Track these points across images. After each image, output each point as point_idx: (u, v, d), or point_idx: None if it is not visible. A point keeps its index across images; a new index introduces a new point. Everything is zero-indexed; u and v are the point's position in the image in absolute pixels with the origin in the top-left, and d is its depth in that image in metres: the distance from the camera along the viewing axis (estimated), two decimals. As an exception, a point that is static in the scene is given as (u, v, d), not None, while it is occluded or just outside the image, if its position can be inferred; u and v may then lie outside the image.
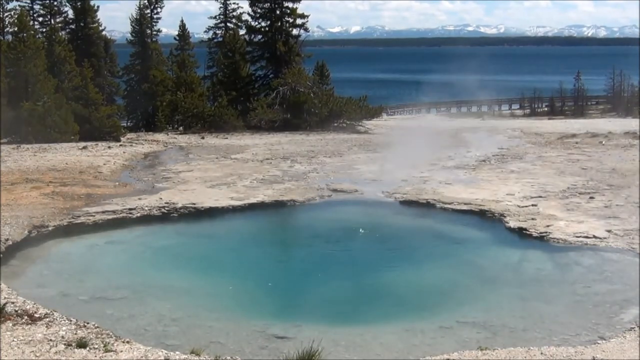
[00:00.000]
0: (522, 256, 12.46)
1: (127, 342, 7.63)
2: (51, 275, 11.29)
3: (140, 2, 40.82)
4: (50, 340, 7.54)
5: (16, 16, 31.45)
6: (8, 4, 35.55)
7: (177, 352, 7.47)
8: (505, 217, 14.45)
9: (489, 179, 18.77)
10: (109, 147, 26.11)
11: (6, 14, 34.82)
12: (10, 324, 8.00)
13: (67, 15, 39.22)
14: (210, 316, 9.52)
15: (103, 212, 14.59)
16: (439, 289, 10.96)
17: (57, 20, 38.66)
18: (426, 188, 17.48)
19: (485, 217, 14.83)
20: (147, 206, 15.17)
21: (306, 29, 40.73)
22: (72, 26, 39.34)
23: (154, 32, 41.77)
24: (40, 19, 38.65)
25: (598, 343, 8.15)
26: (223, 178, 19.02)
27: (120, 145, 27.52)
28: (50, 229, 13.32)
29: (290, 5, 39.65)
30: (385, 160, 22.28)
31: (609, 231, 13.09)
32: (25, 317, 8.26)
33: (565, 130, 32.37)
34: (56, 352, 7.21)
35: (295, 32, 40.37)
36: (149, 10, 41.03)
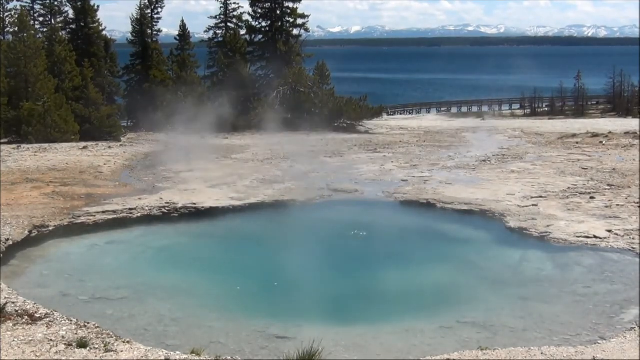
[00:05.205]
0: (523, 256, 12.45)
1: (128, 342, 7.62)
2: (51, 275, 11.29)
3: (140, 2, 40.73)
4: (51, 340, 7.54)
5: (16, 16, 31.44)
6: (8, 4, 35.40)
7: (177, 352, 7.46)
8: (505, 217, 14.44)
9: (489, 179, 18.76)
10: (110, 147, 26.11)
11: (6, 14, 34.72)
12: (11, 324, 8.00)
13: (68, 15, 39.11)
14: (210, 316, 9.52)
15: (103, 212, 14.58)
16: (439, 289, 10.96)
17: (58, 20, 38.54)
18: (426, 188, 17.47)
19: (485, 217, 14.82)
20: (147, 206, 15.17)
21: (306, 29, 40.73)
22: (73, 26, 39.19)
23: (154, 32, 41.61)
24: (41, 19, 38.54)
25: (598, 343, 8.15)
26: (223, 178, 19.01)
27: (121, 145, 27.52)
28: (50, 229, 13.31)
29: (290, 5, 39.66)
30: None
31: (609, 231, 13.09)
32: (26, 317, 8.25)
33: (566, 130, 32.39)
34: (56, 352, 7.21)
35: (295, 32, 40.38)
36: (149, 10, 40.89)
